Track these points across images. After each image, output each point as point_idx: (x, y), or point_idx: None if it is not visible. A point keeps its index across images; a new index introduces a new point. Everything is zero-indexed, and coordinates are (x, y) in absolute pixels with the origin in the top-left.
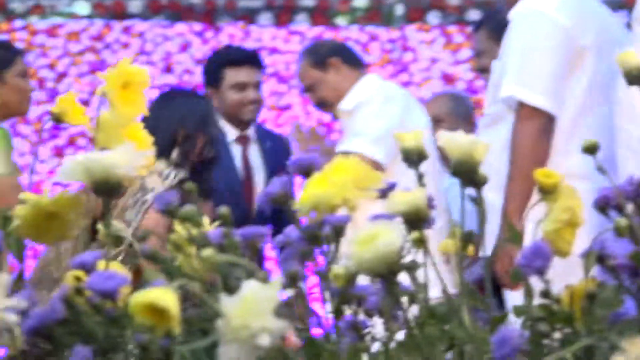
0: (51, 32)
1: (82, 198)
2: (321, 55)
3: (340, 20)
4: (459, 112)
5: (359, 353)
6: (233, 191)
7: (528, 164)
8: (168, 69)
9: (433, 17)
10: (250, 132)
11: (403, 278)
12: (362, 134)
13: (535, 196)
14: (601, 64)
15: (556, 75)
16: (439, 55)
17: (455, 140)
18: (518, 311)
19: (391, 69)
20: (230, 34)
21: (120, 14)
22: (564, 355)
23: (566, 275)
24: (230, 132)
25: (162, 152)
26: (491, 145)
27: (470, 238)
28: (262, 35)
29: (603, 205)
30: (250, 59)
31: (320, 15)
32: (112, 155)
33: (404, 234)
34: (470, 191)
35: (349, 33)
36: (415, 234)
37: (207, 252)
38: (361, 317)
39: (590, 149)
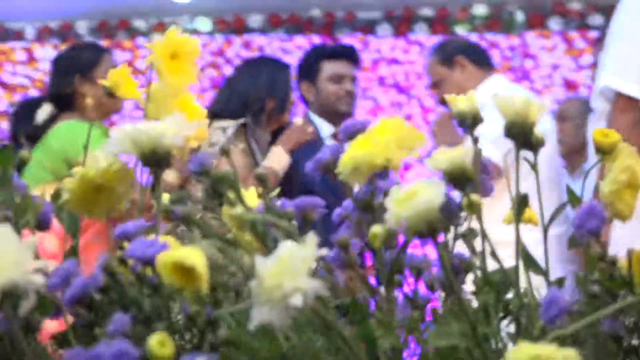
0: None
1: (130, 169)
2: (449, 53)
3: (460, 29)
4: (584, 114)
5: (414, 324)
6: (332, 187)
7: None
8: None
9: (554, 23)
10: None
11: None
12: (481, 135)
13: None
14: None
15: None
16: (560, 62)
17: (509, 101)
18: (580, 280)
19: (512, 76)
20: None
21: (241, 28)
22: (609, 313)
23: (632, 242)
24: (325, 128)
25: (235, 114)
26: None
27: (526, 202)
28: (381, 46)
29: None
30: (347, 52)
31: (440, 24)
32: (160, 126)
33: (444, 191)
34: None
35: None
36: (465, 198)
37: (237, 210)
38: (421, 289)
39: None
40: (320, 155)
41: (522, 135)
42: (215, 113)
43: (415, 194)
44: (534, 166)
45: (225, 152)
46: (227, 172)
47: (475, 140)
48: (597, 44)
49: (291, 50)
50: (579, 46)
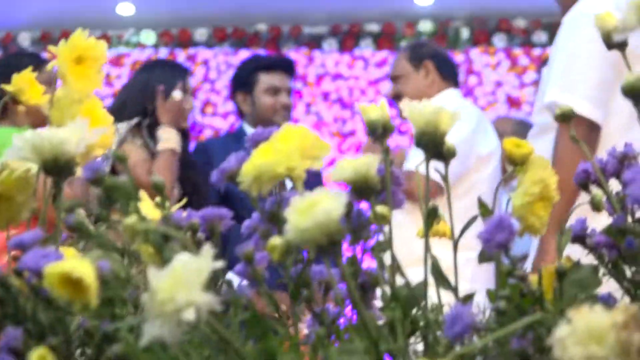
0: (116, 62)
1: (31, 178)
2: (420, 54)
3: (405, 45)
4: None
5: (321, 341)
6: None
7: (568, 174)
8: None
9: (499, 40)
10: None
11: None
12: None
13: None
14: None
15: (602, 81)
16: (504, 78)
17: (419, 109)
18: (492, 295)
19: None
20: (294, 60)
21: (186, 42)
22: (517, 329)
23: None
24: None
25: (130, 116)
26: (541, 154)
27: (435, 215)
28: (326, 60)
29: (584, 181)
30: (284, 64)
31: (386, 39)
32: (62, 132)
33: (345, 201)
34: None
35: None
36: (380, 208)
37: (131, 219)
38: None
39: None
40: (225, 163)
41: (432, 144)
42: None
43: (315, 204)
44: (444, 178)
45: (120, 158)
46: (122, 180)
47: (386, 151)
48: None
49: (236, 64)
50: (523, 63)
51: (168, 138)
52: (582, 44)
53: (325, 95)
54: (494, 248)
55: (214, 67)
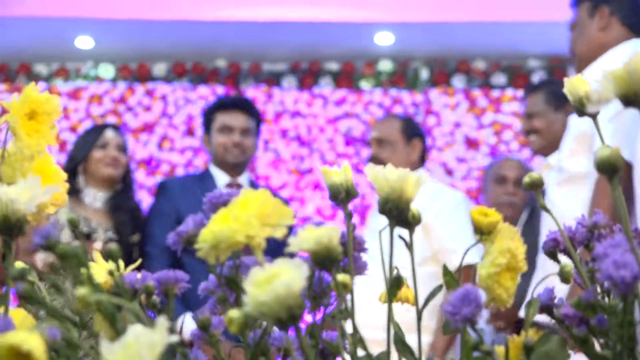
0: (74, 95)
1: None
2: (412, 130)
3: (365, 84)
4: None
5: None
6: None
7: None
8: (190, 132)
9: (458, 81)
10: (243, 180)
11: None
12: None
13: None
14: None
15: (632, 123)
16: (462, 119)
17: (383, 175)
18: None
19: None
20: (253, 97)
21: (144, 76)
22: None
23: None
24: (222, 178)
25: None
26: (571, 206)
27: (400, 283)
28: (285, 98)
29: (552, 249)
30: (237, 103)
31: (345, 78)
32: (12, 190)
33: (306, 274)
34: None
35: (372, 96)
36: (341, 277)
37: (82, 291)
38: None
39: None
40: (182, 227)
41: (397, 211)
42: None
43: (275, 277)
44: (409, 246)
45: (72, 223)
46: (73, 247)
47: (349, 215)
48: (499, 102)
49: (194, 100)
50: (482, 105)
51: None
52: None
53: (284, 133)
54: (460, 322)
55: (172, 102)
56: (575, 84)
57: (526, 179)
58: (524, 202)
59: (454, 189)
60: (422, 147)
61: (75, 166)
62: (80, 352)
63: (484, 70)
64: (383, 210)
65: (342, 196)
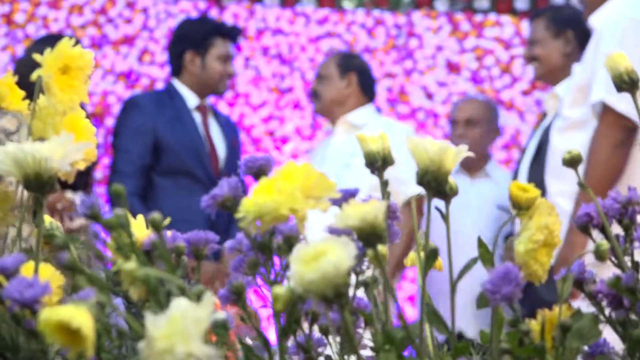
0: (54, 5)
1: (11, 192)
2: (349, 65)
3: (347, 4)
4: (492, 118)
5: None
6: (199, 152)
7: (602, 174)
8: None
9: (441, 4)
10: (207, 103)
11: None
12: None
13: None
14: None
15: None
16: (444, 43)
17: (423, 146)
18: (484, 337)
19: (395, 55)
20: (235, 13)
21: None
22: None
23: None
24: (192, 100)
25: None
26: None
27: (435, 255)
28: (267, 15)
29: (585, 225)
30: (237, 34)
31: None
32: (45, 147)
33: (354, 252)
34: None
35: (355, 17)
36: (370, 252)
37: (130, 265)
38: (315, 334)
39: None
40: (216, 190)
41: (435, 183)
42: None
43: (322, 254)
44: (445, 217)
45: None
46: (118, 215)
47: (385, 184)
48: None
49: (175, 13)
50: (464, 29)
51: None
52: (631, 47)
53: (265, 50)
54: (500, 300)
55: (154, 15)
56: (615, 60)
57: (566, 156)
58: (481, 140)
59: (402, 123)
60: (358, 79)
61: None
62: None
63: None
64: (421, 181)
65: (379, 164)
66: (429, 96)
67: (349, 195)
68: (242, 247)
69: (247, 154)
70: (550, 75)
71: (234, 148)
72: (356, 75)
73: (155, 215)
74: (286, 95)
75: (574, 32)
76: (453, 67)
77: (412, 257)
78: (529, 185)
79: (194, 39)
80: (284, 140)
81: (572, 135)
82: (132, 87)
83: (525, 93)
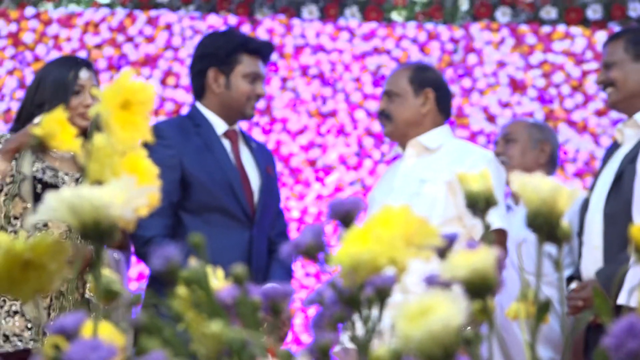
0: (66, 22)
1: (66, 244)
2: (424, 78)
3: (396, 16)
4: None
5: None
6: (232, 185)
7: None
8: None
9: (502, 15)
10: (237, 128)
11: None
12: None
13: None
14: None
15: None
16: (507, 59)
17: (533, 185)
18: None
19: (452, 72)
20: (270, 28)
21: (146, 3)
22: None
23: None
24: (219, 125)
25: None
26: None
27: (547, 307)
28: (306, 30)
29: None
30: (268, 50)
31: (374, 9)
32: (105, 192)
33: (465, 308)
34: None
35: (405, 31)
36: (478, 303)
37: (217, 326)
38: None
39: None
40: (300, 237)
41: (547, 226)
42: None
43: (429, 311)
44: (557, 263)
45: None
46: (197, 272)
47: (487, 228)
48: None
49: (203, 30)
50: (530, 42)
51: None
52: None
53: (304, 70)
54: (624, 356)
55: (178, 32)
56: None
57: None
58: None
59: (482, 147)
60: (435, 96)
61: (40, 110)
62: None
63: (532, 3)
64: (533, 224)
65: (481, 206)
66: (491, 118)
67: (450, 241)
68: (325, 300)
69: (284, 186)
70: (626, 102)
71: (269, 178)
72: (433, 92)
73: (239, 268)
74: (328, 120)
75: None
76: (517, 86)
77: (516, 309)
78: None
79: (217, 54)
80: (327, 170)
81: None
82: (156, 114)
83: (600, 114)
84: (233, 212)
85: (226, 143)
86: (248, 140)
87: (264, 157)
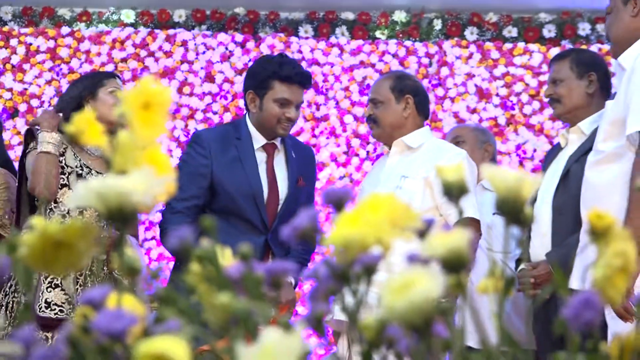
0: (96, 39)
1: (94, 227)
2: (403, 86)
3: (379, 34)
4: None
5: None
6: (256, 198)
7: None
8: (209, 78)
9: (470, 34)
10: (277, 140)
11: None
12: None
13: None
14: None
15: None
16: (475, 71)
17: (501, 175)
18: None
19: (427, 82)
20: (271, 45)
21: (165, 22)
22: None
23: None
24: (258, 140)
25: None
26: (604, 182)
27: (512, 282)
28: (302, 47)
29: None
30: (302, 79)
31: (360, 28)
32: (128, 182)
33: (442, 282)
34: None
35: (387, 47)
36: (453, 279)
37: (225, 297)
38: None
39: None
40: (297, 220)
41: (513, 211)
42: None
43: (411, 284)
44: (521, 242)
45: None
46: (209, 249)
47: (460, 213)
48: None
49: (214, 46)
50: (494, 57)
51: (42, 142)
52: None
53: None
54: (581, 327)
55: (192, 48)
56: None
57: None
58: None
59: (456, 147)
60: (414, 101)
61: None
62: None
63: (496, 23)
64: (500, 209)
65: (456, 194)
66: (461, 122)
67: (429, 224)
68: (320, 275)
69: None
70: (570, 114)
71: (297, 188)
72: (412, 97)
73: (245, 247)
74: (321, 124)
75: (597, 74)
76: (483, 94)
77: (485, 285)
78: (605, 212)
79: (255, 79)
80: (320, 167)
81: (607, 168)
82: (173, 118)
83: (554, 119)
84: (252, 220)
85: (262, 156)
86: (289, 149)
87: (301, 167)
